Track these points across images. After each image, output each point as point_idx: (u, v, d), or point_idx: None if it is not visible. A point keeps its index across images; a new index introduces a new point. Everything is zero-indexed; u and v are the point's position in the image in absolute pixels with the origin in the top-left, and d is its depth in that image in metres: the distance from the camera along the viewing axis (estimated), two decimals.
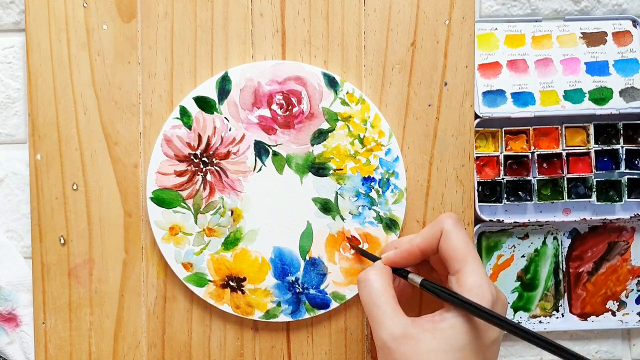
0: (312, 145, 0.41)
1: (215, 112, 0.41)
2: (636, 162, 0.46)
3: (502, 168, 0.45)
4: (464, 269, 0.33)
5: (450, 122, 0.42)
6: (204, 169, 0.41)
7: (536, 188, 0.45)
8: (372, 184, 0.41)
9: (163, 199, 0.41)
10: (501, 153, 0.45)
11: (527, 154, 0.45)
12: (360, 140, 0.41)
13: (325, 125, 0.41)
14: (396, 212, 0.41)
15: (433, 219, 0.42)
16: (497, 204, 0.46)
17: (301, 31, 0.42)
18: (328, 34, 0.42)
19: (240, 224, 0.41)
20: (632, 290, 0.47)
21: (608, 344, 0.47)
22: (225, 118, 0.41)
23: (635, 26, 0.46)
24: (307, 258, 0.41)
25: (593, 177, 0.45)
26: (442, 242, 0.34)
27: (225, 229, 0.41)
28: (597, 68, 0.46)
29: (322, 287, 0.41)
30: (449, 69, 0.42)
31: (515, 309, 0.47)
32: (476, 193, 0.45)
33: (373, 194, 0.41)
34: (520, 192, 0.46)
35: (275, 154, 0.41)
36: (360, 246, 0.41)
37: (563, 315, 0.47)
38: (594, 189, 0.45)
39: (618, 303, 0.47)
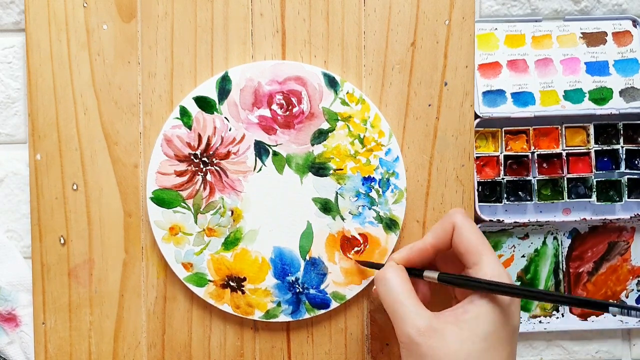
0: (312, 145, 0.41)
1: (215, 112, 0.41)
2: (636, 162, 0.46)
3: (502, 168, 0.45)
4: (482, 261, 0.34)
5: (450, 122, 0.42)
6: (204, 169, 0.41)
7: (536, 188, 0.45)
8: (372, 184, 0.41)
9: (163, 199, 0.41)
10: (501, 153, 0.45)
11: (527, 154, 0.45)
12: (360, 140, 0.41)
13: (326, 125, 0.41)
14: (396, 212, 0.41)
15: (433, 218, 0.42)
16: (497, 204, 0.46)
17: (301, 31, 0.42)
18: (328, 34, 0.42)
19: (241, 224, 0.41)
20: (632, 290, 0.47)
21: (608, 344, 0.47)
22: (226, 118, 0.41)
23: (635, 26, 0.46)
24: (307, 258, 0.41)
25: (593, 177, 0.45)
26: (456, 237, 0.35)
27: (226, 229, 0.41)
28: (597, 68, 0.46)
29: (322, 287, 0.41)
30: (449, 69, 0.42)
31: None
32: (476, 193, 0.45)
33: (373, 194, 0.41)
34: (520, 192, 0.46)
35: (275, 154, 0.41)
36: (359, 248, 0.41)
37: (563, 315, 0.47)
38: (594, 189, 0.45)
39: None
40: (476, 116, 0.45)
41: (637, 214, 0.46)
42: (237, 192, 0.41)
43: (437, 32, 0.42)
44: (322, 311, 0.41)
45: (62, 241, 0.42)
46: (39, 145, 0.41)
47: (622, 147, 0.45)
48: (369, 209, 0.41)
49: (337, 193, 0.41)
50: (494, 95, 0.46)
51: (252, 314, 0.41)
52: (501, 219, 0.45)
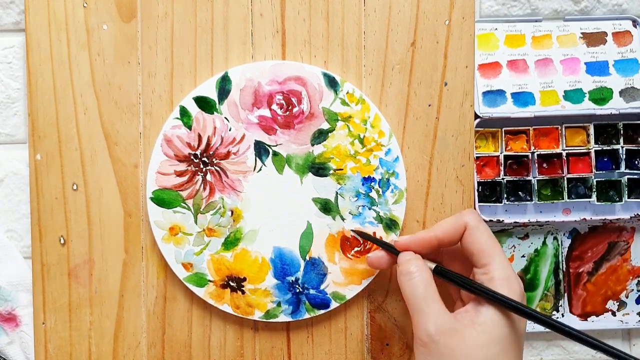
0: (312, 145, 0.41)
1: (215, 112, 0.41)
2: (636, 162, 0.46)
3: (502, 168, 0.45)
4: (492, 262, 0.34)
5: (450, 122, 0.42)
6: (204, 169, 0.41)
7: (536, 188, 0.45)
8: (372, 184, 0.41)
9: (163, 199, 0.41)
10: (501, 153, 0.45)
11: (527, 154, 0.45)
12: (360, 140, 0.41)
13: (326, 125, 0.41)
14: (396, 212, 0.41)
15: (433, 219, 0.42)
16: (497, 204, 0.46)
17: (301, 31, 0.42)
18: (328, 34, 0.42)
19: (240, 224, 0.41)
20: (632, 290, 0.47)
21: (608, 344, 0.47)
22: (225, 118, 0.41)
23: (635, 26, 0.46)
24: (307, 258, 0.41)
25: (593, 177, 0.45)
26: (468, 237, 0.36)
27: (225, 229, 0.41)
28: (597, 68, 0.46)
29: (322, 287, 0.41)
30: (449, 69, 0.42)
31: None
32: (476, 193, 0.45)
33: (373, 194, 0.41)
34: (520, 192, 0.46)
35: (275, 154, 0.41)
36: (359, 248, 0.41)
37: (563, 316, 0.47)
38: (594, 189, 0.45)
39: (618, 303, 0.47)
40: (476, 116, 0.45)
41: (637, 214, 0.46)
42: (237, 192, 0.41)
43: (437, 32, 0.42)
44: (322, 311, 0.41)
45: (62, 241, 0.42)
46: (39, 145, 0.41)
47: (622, 147, 0.45)
48: (369, 209, 0.41)
49: (337, 193, 0.41)
50: (494, 95, 0.46)
51: (252, 314, 0.41)
52: (501, 219, 0.45)
